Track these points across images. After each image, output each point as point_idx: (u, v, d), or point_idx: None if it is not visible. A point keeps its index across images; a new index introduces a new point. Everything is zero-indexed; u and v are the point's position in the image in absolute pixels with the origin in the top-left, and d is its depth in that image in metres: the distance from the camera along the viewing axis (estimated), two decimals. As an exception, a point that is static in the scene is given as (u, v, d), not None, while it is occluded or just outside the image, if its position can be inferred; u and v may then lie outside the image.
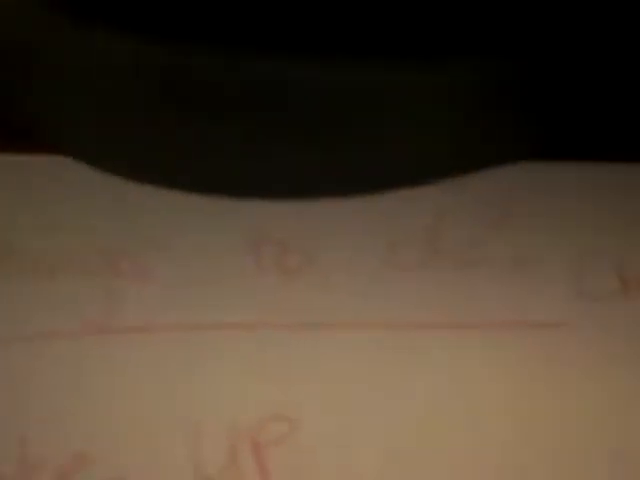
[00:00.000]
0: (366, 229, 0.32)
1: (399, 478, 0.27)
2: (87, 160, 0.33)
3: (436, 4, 0.32)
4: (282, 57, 0.31)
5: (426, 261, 0.32)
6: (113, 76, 0.30)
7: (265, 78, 0.30)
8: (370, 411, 0.28)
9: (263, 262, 0.32)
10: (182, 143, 0.32)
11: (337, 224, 0.32)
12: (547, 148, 0.34)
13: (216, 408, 0.28)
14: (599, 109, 0.35)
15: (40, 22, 0.31)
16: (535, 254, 0.32)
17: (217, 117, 0.31)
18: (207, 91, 0.31)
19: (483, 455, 0.28)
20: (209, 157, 0.32)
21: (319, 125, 0.31)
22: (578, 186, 0.34)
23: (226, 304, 0.30)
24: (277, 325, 0.30)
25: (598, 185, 0.34)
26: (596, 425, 0.28)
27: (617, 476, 0.28)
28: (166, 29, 0.31)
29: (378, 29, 0.32)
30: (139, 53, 0.30)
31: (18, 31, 0.32)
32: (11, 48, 0.32)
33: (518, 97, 0.33)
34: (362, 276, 0.31)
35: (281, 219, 0.32)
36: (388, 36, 0.32)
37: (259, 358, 0.29)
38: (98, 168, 0.33)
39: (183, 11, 0.32)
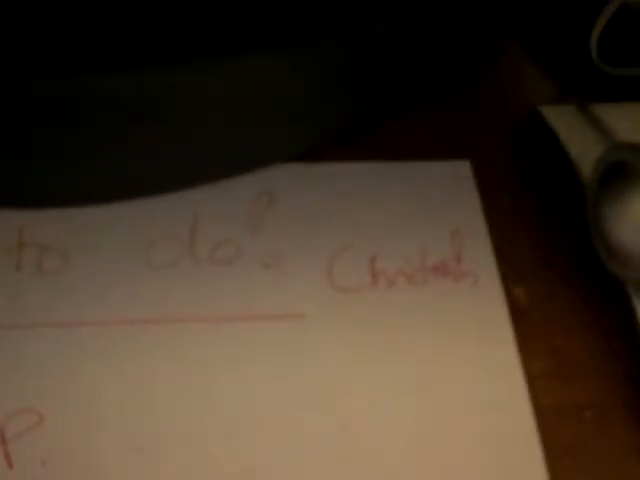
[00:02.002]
0: (125, 231, 0.34)
1: (138, 464, 0.28)
2: None
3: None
4: (85, 69, 0.32)
5: (182, 260, 0.33)
6: None
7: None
8: (114, 404, 0.29)
9: (23, 264, 0.33)
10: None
11: (97, 227, 0.34)
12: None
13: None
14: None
15: None
16: (289, 252, 0.34)
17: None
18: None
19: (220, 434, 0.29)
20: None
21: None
22: (335, 186, 0.36)
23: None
24: (30, 324, 0.31)
25: (352, 185, 0.36)
26: (331, 406, 0.30)
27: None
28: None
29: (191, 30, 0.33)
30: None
31: None
32: None
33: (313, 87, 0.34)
34: (120, 275, 0.32)
35: (42, 224, 0.33)
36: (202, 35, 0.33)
37: (9, 355, 0.30)
38: None
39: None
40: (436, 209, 0.35)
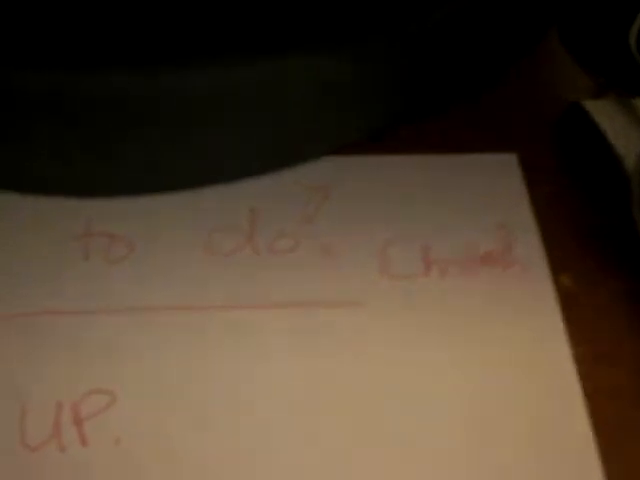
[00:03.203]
0: (188, 220, 0.35)
1: (208, 443, 0.29)
2: None
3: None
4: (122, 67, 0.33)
5: (242, 249, 0.34)
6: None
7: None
8: (180, 386, 0.31)
9: (90, 252, 0.34)
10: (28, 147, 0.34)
11: (161, 216, 0.35)
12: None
13: (42, 385, 0.30)
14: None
15: None
16: (345, 242, 0.35)
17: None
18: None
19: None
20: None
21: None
22: (386, 178, 0.37)
23: (56, 292, 0.33)
24: (98, 309, 0.32)
25: (403, 177, 0.37)
26: (401, 391, 0.31)
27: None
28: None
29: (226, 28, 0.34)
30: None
31: None
32: None
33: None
34: (183, 263, 0.34)
35: (108, 213, 0.35)
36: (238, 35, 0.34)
37: (83, 339, 0.32)
38: None
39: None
40: (485, 200, 0.37)
